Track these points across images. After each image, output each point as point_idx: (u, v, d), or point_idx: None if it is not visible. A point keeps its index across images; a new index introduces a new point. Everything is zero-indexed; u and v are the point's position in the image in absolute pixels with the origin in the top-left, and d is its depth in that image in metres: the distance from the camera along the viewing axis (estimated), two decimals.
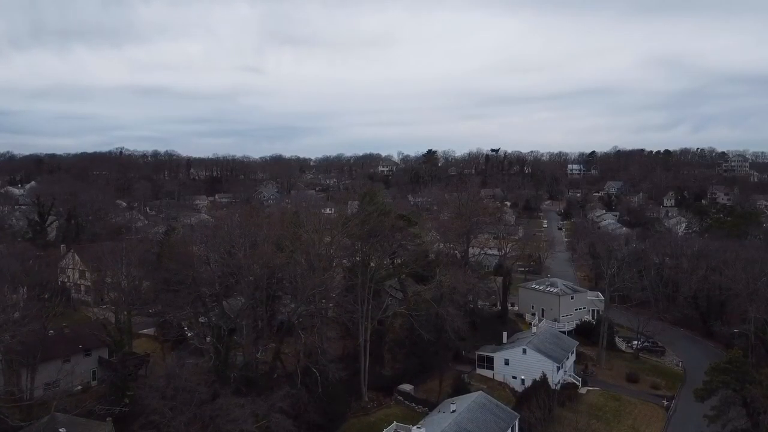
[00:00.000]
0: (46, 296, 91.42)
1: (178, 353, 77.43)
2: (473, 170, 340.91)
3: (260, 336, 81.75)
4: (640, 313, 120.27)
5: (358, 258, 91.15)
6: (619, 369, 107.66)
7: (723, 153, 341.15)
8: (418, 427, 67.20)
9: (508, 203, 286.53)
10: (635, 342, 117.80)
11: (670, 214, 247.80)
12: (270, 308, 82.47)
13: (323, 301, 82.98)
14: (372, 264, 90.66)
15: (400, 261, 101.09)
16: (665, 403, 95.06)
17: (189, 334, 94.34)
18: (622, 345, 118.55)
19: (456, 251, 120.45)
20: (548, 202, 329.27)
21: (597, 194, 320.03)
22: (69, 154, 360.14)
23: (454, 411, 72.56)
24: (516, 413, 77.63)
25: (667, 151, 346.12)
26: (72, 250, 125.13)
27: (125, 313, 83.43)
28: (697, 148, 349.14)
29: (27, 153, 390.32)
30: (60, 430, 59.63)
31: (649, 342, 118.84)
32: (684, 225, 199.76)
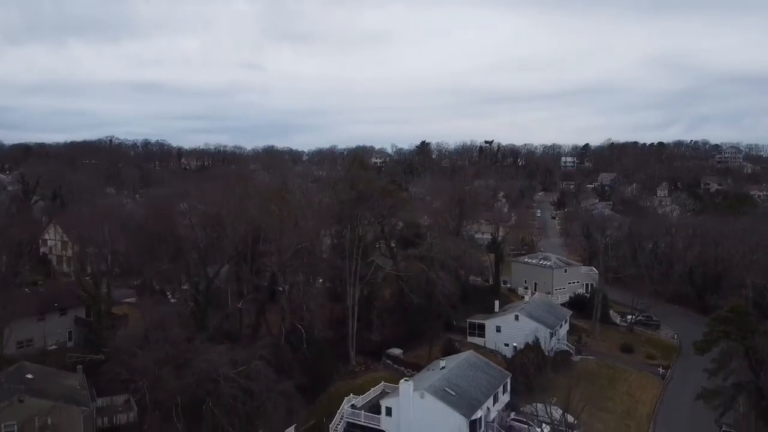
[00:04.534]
0: (26, 266, 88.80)
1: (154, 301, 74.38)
2: (467, 162, 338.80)
3: (243, 295, 79.00)
4: (634, 290, 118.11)
5: (346, 220, 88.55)
6: (614, 340, 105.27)
7: (717, 145, 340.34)
8: (405, 380, 64.60)
9: (502, 193, 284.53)
10: (630, 316, 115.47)
11: (663, 203, 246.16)
12: (254, 267, 79.51)
13: (310, 256, 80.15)
14: (360, 227, 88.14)
15: (389, 229, 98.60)
16: (661, 371, 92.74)
17: (172, 301, 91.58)
18: (616, 318, 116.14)
19: (448, 222, 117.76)
20: (541, 193, 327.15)
21: (590, 186, 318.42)
22: (58, 143, 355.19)
23: (443, 368, 69.96)
24: (508, 372, 75.14)
25: (660, 144, 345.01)
26: (53, 222, 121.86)
27: (103, 271, 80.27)
28: (691, 141, 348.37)
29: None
30: (27, 376, 56.80)
31: (643, 316, 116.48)
32: (678, 210, 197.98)
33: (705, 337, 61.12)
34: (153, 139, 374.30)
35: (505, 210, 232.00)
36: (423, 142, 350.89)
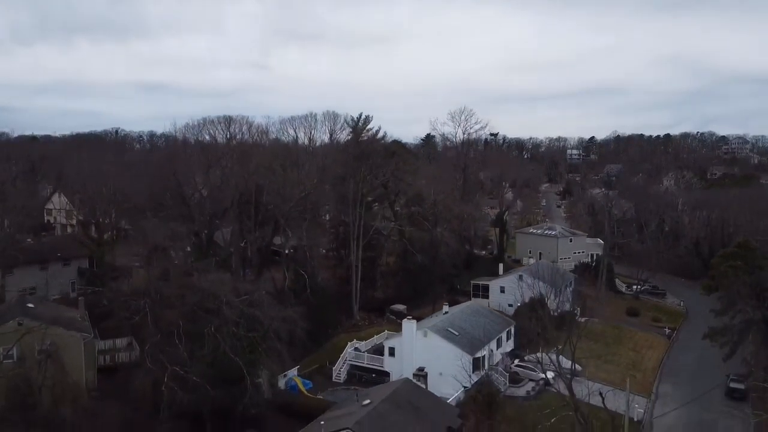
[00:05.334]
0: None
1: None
2: (472, 154, 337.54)
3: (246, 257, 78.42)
4: (641, 264, 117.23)
5: (350, 175, 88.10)
6: (619, 306, 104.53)
7: (723, 137, 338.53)
8: (409, 319, 64.15)
9: (506, 183, 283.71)
10: (635, 286, 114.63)
11: (670, 190, 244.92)
12: (258, 218, 78.82)
13: (313, 206, 79.75)
14: (364, 183, 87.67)
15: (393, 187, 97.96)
16: (667, 331, 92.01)
17: (176, 262, 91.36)
18: (622, 287, 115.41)
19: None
20: (547, 184, 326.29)
21: (596, 177, 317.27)
22: (65, 135, 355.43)
23: (446, 313, 69.59)
24: (511, 320, 74.64)
25: (667, 135, 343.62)
26: (58, 191, 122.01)
27: (108, 222, 79.99)
28: (698, 133, 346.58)
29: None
30: (28, 305, 56.70)
31: (650, 285, 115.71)
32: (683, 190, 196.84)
33: (711, 274, 60.35)
34: (159, 132, 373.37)
35: (510, 197, 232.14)
36: (428, 135, 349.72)
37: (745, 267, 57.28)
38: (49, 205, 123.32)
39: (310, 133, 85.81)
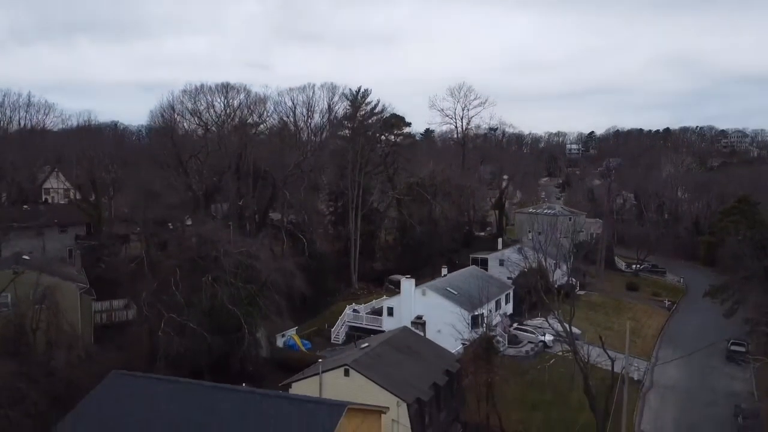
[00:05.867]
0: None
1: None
2: (470, 146, 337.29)
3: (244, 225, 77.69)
4: (640, 246, 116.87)
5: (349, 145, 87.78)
6: (619, 282, 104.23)
7: (723, 131, 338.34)
8: (407, 277, 63.76)
9: (506, 176, 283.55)
10: (635, 265, 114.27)
11: (669, 174, 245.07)
12: (257, 183, 78.08)
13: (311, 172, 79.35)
14: (362, 155, 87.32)
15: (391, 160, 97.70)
16: (667, 303, 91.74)
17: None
18: (621, 265, 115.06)
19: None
20: (546, 178, 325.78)
21: (596, 171, 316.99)
22: (64, 128, 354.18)
23: (445, 275, 69.21)
24: (510, 285, 74.29)
25: (667, 130, 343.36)
26: (56, 169, 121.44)
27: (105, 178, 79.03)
28: (697, 127, 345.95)
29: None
30: (24, 257, 56.28)
31: (649, 264, 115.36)
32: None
33: (712, 229, 59.89)
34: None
35: (510, 188, 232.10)
36: (427, 129, 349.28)
37: (745, 222, 56.82)
38: (47, 185, 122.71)
39: (309, 104, 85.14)
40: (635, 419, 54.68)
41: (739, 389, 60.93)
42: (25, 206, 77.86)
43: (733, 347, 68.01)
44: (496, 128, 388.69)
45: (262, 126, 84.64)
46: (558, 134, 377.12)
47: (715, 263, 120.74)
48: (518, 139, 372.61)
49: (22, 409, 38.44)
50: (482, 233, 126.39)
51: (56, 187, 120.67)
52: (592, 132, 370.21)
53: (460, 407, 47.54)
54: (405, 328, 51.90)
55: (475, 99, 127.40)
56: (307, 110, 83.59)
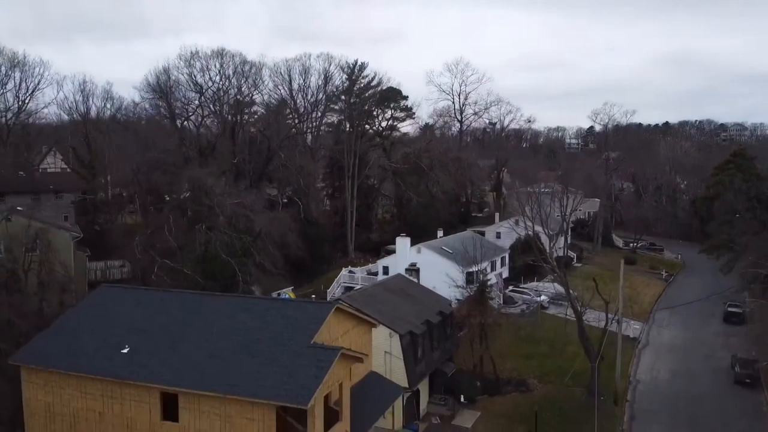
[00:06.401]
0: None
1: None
2: (469, 140, 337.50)
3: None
4: (638, 229, 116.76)
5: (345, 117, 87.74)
6: (616, 257, 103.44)
7: (722, 124, 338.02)
8: (402, 235, 63.62)
9: (506, 170, 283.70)
10: (632, 243, 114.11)
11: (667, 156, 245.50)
12: (253, 149, 77.70)
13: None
14: (359, 125, 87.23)
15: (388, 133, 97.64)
16: (664, 275, 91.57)
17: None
18: (619, 242, 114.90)
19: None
20: (545, 172, 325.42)
21: (596, 163, 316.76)
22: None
23: (441, 237, 69.03)
24: (506, 249, 74.18)
25: (666, 124, 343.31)
26: (53, 149, 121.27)
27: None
28: (696, 120, 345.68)
29: None
30: (18, 208, 56.18)
31: (647, 242, 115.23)
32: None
33: (708, 186, 59.74)
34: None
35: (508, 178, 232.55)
36: (426, 124, 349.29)
37: (740, 175, 56.63)
38: (44, 165, 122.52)
39: (305, 73, 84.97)
40: (630, 370, 54.51)
41: (737, 346, 60.70)
42: (21, 173, 77.52)
43: (730, 309, 67.91)
44: (495, 123, 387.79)
45: (257, 96, 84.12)
46: (557, 129, 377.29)
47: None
48: (517, 133, 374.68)
49: (11, 340, 38.38)
50: (480, 214, 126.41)
51: (53, 165, 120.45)
52: (592, 127, 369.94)
53: (454, 349, 47.36)
54: (399, 275, 51.75)
55: (472, 75, 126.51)
56: (303, 79, 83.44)
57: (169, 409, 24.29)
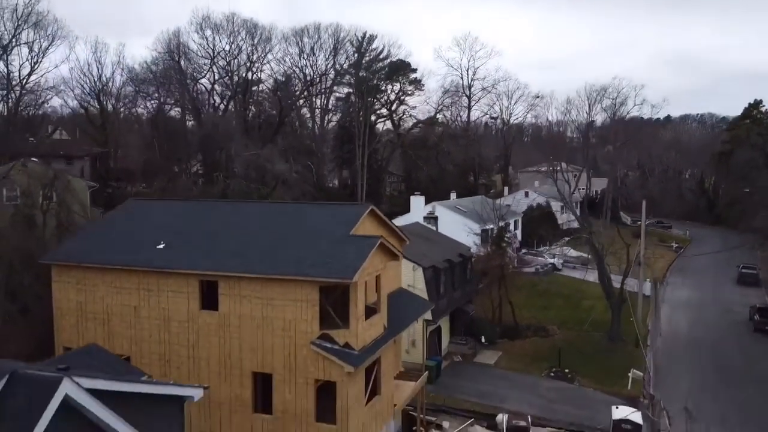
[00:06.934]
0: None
1: None
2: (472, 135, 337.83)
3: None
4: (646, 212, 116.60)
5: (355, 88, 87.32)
6: (625, 232, 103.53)
7: (724, 117, 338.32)
8: (416, 194, 63.34)
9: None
10: (640, 222, 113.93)
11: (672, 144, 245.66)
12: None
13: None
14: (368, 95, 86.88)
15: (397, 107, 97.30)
16: (674, 246, 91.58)
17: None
18: (627, 220, 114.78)
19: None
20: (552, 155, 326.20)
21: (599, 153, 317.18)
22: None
23: (454, 199, 68.79)
24: (520, 213, 74.06)
25: (667, 118, 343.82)
26: (58, 128, 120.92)
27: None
28: (697, 114, 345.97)
29: None
30: (33, 159, 55.83)
31: (655, 220, 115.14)
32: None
33: (723, 141, 59.54)
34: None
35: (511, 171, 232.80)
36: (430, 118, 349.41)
37: (756, 129, 56.40)
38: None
39: (312, 44, 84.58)
40: (649, 321, 54.31)
41: (754, 301, 60.62)
42: (31, 138, 77.07)
43: (744, 270, 67.83)
44: (497, 117, 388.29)
45: (267, 63, 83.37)
46: (558, 123, 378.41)
47: (720, 223, 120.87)
48: (519, 128, 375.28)
49: (31, 272, 38.10)
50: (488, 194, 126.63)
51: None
52: (593, 121, 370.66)
53: (474, 295, 47.16)
54: (417, 222, 51.45)
55: (480, 49, 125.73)
56: (311, 50, 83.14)
57: (208, 299, 24.02)
